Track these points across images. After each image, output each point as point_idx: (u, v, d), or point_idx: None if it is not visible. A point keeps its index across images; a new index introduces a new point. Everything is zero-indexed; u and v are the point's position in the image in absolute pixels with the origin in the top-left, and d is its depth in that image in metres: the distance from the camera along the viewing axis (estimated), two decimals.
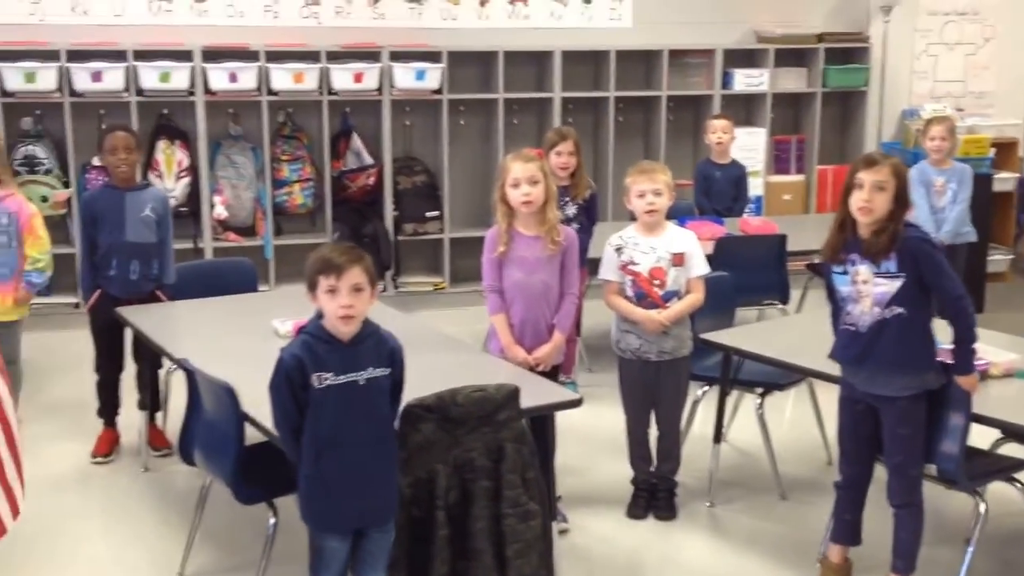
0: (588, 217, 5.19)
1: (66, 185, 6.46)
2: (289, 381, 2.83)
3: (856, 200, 3.22)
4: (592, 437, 4.69)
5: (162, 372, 4.68)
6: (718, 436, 4.26)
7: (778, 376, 4.19)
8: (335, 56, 6.81)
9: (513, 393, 3.15)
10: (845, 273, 3.31)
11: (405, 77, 6.86)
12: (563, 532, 3.82)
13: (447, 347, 4.06)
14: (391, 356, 2.93)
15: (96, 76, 6.30)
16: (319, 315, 2.89)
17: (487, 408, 3.10)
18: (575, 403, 3.46)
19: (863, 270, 3.26)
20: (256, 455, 3.29)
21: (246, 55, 6.64)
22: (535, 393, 3.37)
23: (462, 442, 3.07)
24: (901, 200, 3.22)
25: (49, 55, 6.30)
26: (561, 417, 3.60)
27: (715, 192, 6.39)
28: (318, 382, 2.82)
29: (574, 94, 7.33)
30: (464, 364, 3.84)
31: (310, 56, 6.75)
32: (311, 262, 2.88)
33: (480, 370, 3.67)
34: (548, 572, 3.27)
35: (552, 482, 3.52)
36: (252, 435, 3.26)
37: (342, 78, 6.75)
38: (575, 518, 4.00)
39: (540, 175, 3.80)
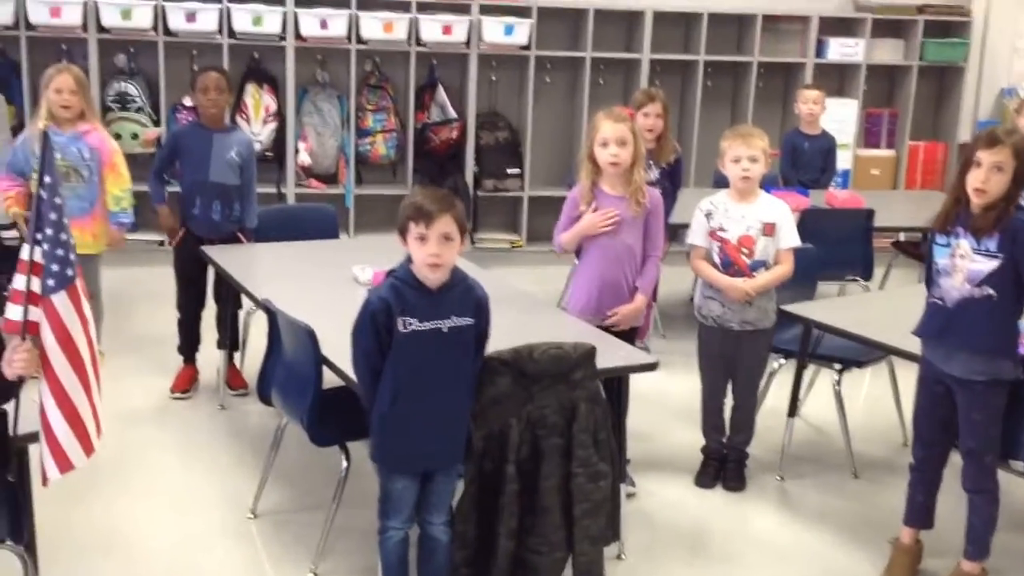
0: (671, 182, 5.13)
1: (156, 123, 6.56)
2: (374, 322, 2.84)
3: (972, 180, 3.13)
4: (663, 403, 4.67)
5: (241, 313, 4.76)
6: (793, 410, 4.21)
7: (858, 352, 4.11)
8: (425, 7, 6.80)
9: (589, 353, 3.14)
10: (947, 245, 3.22)
11: (494, 31, 6.83)
12: (631, 495, 3.82)
13: (524, 304, 4.05)
14: (477, 306, 2.93)
15: (190, 16, 6.37)
16: (409, 259, 2.90)
17: (563, 366, 3.08)
18: (650, 367, 3.44)
19: (964, 244, 3.18)
20: (332, 399, 3.33)
21: (338, 2, 6.65)
22: (611, 354, 3.36)
23: (536, 398, 3.07)
24: (1020, 181, 3.12)
25: None
26: (633, 381, 3.58)
27: (802, 163, 6.27)
28: (403, 326, 2.84)
29: (663, 56, 7.23)
30: (541, 321, 3.84)
31: (401, 6, 6.75)
32: (403, 207, 2.88)
33: (557, 328, 3.66)
34: (614, 533, 3.27)
35: (623, 444, 3.50)
36: (329, 379, 3.30)
37: (431, 29, 6.74)
38: (643, 483, 3.99)
39: (630, 136, 3.76)
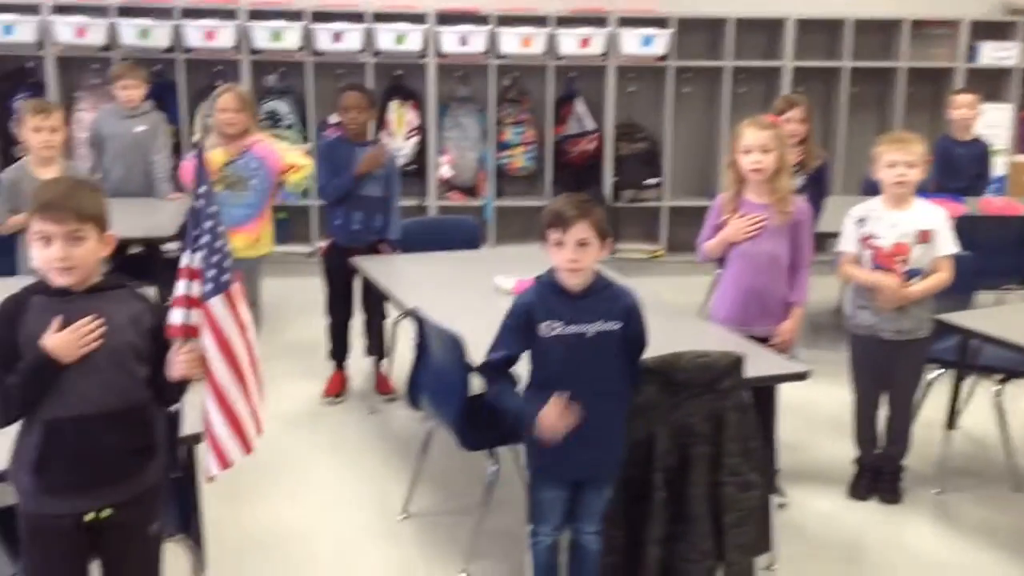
0: (816, 189, 5.02)
1: (305, 140, 6.77)
2: (518, 320, 2.88)
3: None
4: (811, 414, 4.57)
5: (388, 321, 4.87)
6: (951, 422, 4.06)
7: (1019, 363, 3.95)
8: (563, 21, 6.85)
9: (737, 362, 3.10)
10: None
11: (631, 43, 6.83)
12: (781, 506, 3.75)
13: (667, 313, 4.02)
14: (626, 311, 2.92)
15: (337, 37, 6.57)
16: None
17: (710, 375, 3.06)
18: (800, 376, 3.37)
19: None
20: (480, 404, 3.36)
21: (477, 19, 6.76)
22: (759, 363, 3.31)
23: (683, 406, 3.05)
24: None
25: (294, 15, 6.60)
26: (780, 391, 3.52)
27: (954, 170, 6.05)
28: (546, 330, 2.86)
29: (806, 63, 7.11)
30: (685, 330, 3.81)
31: (538, 21, 6.81)
32: (544, 214, 2.91)
33: (702, 337, 3.63)
34: (765, 544, 3.22)
35: (773, 455, 3.45)
36: (478, 385, 3.34)
37: (569, 43, 6.78)
38: (793, 494, 3.92)
39: (773, 143, 3.71)
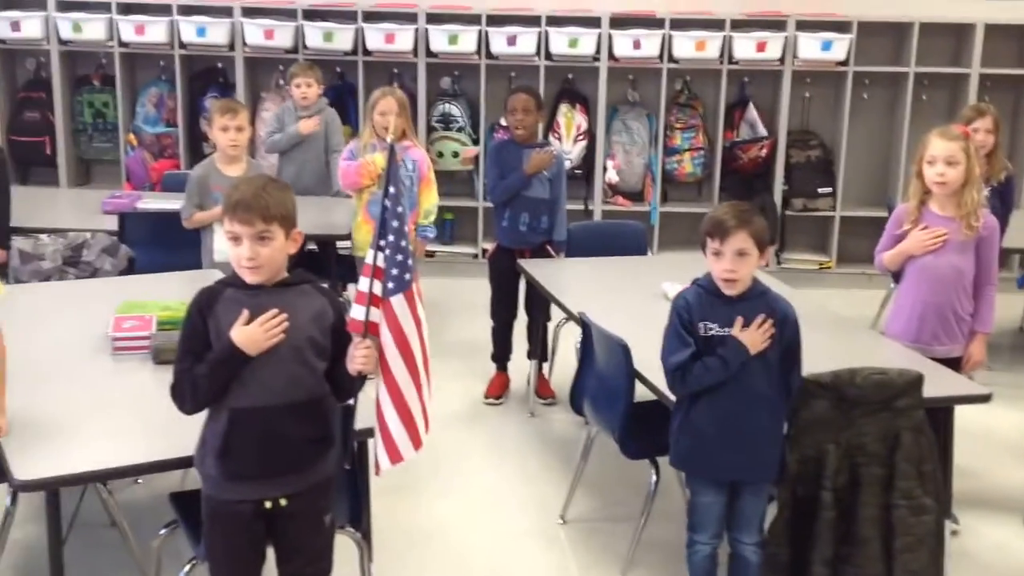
0: (1002, 202, 4.80)
1: (475, 142, 6.88)
2: (680, 320, 2.91)
3: None
4: (989, 437, 4.38)
5: (551, 324, 4.90)
6: None
7: None
8: (739, 24, 6.74)
9: (916, 381, 3.00)
10: None
11: (810, 47, 6.66)
12: (954, 533, 3.61)
13: (838, 326, 3.93)
14: (782, 319, 2.89)
15: (511, 40, 6.64)
16: None
17: (886, 393, 2.97)
18: (983, 398, 3.24)
19: None
20: (644, 413, 3.36)
21: (651, 22, 6.72)
22: (938, 383, 3.19)
23: (855, 424, 2.97)
24: None
25: (471, 19, 6.71)
26: (956, 413, 3.38)
27: None
28: (703, 330, 2.88)
29: (995, 70, 6.78)
30: (858, 345, 3.71)
31: (714, 24, 6.72)
32: (703, 221, 2.91)
33: (876, 353, 3.53)
34: (937, 572, 3.09)
35: (949, 479, 3.31)
36: (641, 393, 3.34)
37: (744, 47, 6.67)
38: (967, 520, 3.76)
39: (960, 155, 3.57)
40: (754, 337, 2.85)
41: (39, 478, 2.56)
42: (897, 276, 3.94)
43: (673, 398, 3.01)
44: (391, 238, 2.51)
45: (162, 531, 2.86)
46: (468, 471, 4.22)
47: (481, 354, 5.08)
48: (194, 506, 2.64)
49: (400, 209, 2.53)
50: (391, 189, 2.52)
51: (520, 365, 4.99)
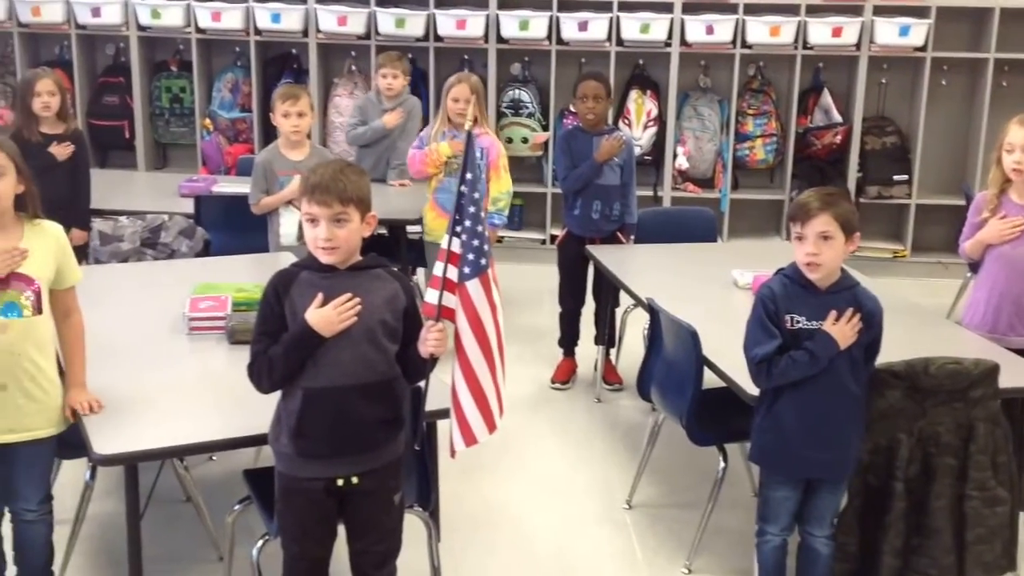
0: None
1: (545, 128, 6.88)
2: (765, 311, 2.85)
3: None
4: None
5: (619, 310, 4.89)
6: None
7: None
8: (815, 9, 6.64)
9: (992, 370, 2.95)
10: None
11: (887, 32, 6.55)
12: None
13: (913, 315, 3.87)
14: (869, 315, 2.84)
15: (582, 26, 6.63)
16: None
17: (961, 382, 2.92)
18: None
19: None
20: (713, 400, 3.35)
21: (725, 8, 6.66)
22: (1014, 373, 3.13)
23: (929, 414, 2.93)
24: None
25: (542, 5, 6.70)
26: None
27: None
28: (790, 322, 2.83)
29: None
30: (933, 335, 3.66)
31: (789, 9, 6.63)
32: (789, 207, 2.87)
33: (951, 342, 3.48)
34: (1010, 563, 3.05)
35: (1022, 470, 3.25)
36: (710, 380, 3.33)
37: (820, 32, 6.57)
38: None
39: None
40: (844, 331, 2.80)
41: (118, 453, 2.64)
42: (975, 266, 3.87)
43: (749, 390, 2.98)
44: (467, 223, 2.53)
45: (236, 507, 2.92)
46: (534, 455, 4.24)
47: (547, 339, 5.09)
48: (267, 483, 2.70)
49: (477, 195, 2.55)
50: (468, 175, 2.54)
51: (587, 351, 4.99)
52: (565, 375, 4.97)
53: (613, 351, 4.98)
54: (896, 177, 6.84)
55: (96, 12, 6.76)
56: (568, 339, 5.02)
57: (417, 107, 5.85)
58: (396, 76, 5.70)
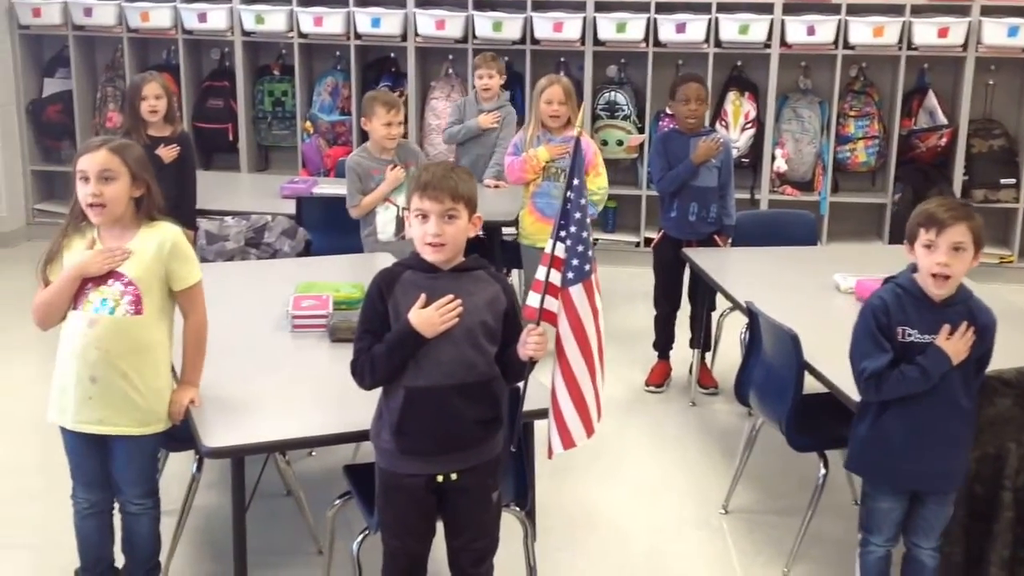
0: None
1: (640, 130, 6.85)
2: (877, 323, 2.78)
3: None
4: None
5: (715, 314, 4.85)
6: None
7: None
8: (920, 10, 6.49)
9: None
10: None
11: (995, 33, 6.37)
12: None
13: (1022, 321, 3.76)
14: (984, 329, 2.77)
15: (680, 27, 6.58)
16: (912, 268, 2.82)
17: None
18: None
19: None
20: (813, 405, 3.31)
21: (827, 8, 6.55)
22: None
23: None
24: None
25: (639, 7, 6.68)
26: None
27: None
28: (902, 335, 2.77)
29: None
30: None
31: (893, 10, 6.49)
32: (915, 214, 2.80)
33: None
34: None
35: None
36: (810, 385, 3.28)
37: (925, 32, 6.42)
38: None
39: None
40: (958, 347, 2.72)
41: (226, 446, 2.71)
42: None
43: (853, 396, 2.92)
44: (573, 229, 2.54)
45: (336, 501, 2.97)
46: (629, 458, 4.23)
47: (641, 342, 5.07)
48: (367, 478, 2.75)
49: (583, 201, 2.55)
50: (575, 180, 2.54)
51: (681, 354, 4.96)
52: (659, 378, 4.94)
53: (708, 355, 4.94)
54: (1003, 181, 6.65)
55: (202, 18, 6.94)
56: (663, 342, 4.99)
57: (513, 116, 5.88)
58: (492, 76, 5.75)
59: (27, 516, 3.65)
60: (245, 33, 6.99)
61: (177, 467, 3.56)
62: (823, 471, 3.32)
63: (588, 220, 2.57)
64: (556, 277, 2.55)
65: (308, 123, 7.07)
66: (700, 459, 4.23)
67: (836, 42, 6.54)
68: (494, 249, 5.23)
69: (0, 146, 6.96)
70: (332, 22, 6.84)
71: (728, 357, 4.83)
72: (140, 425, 2.89)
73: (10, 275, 6.20)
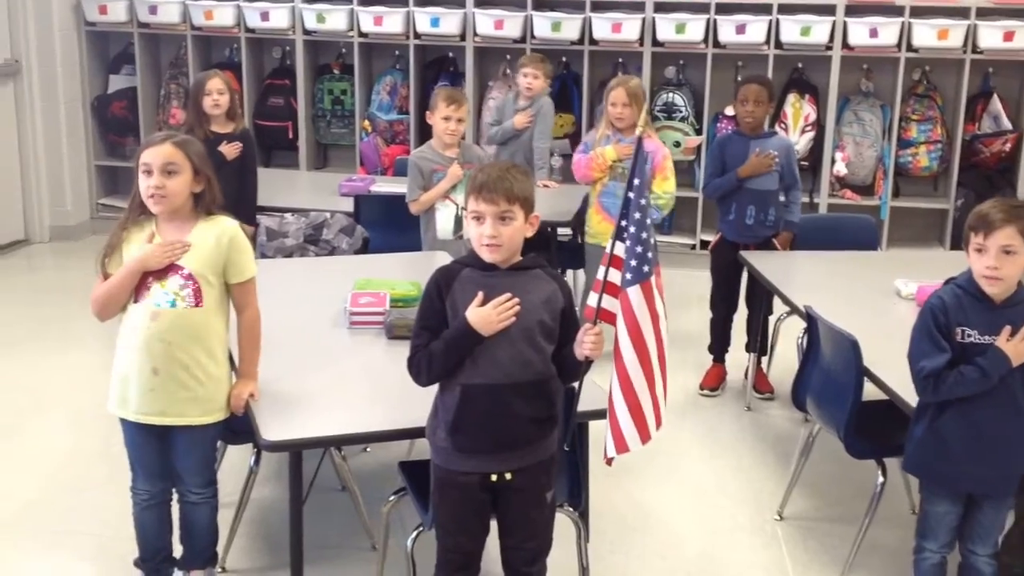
0: None
1: (698, 132, 6.81)
2: (935, 323, 2.75)
3: None
4: None
5: (772, 318, 4.81)
6: None
7: None
8: (985, 13, 6.39)
9: None
10: None
11: None
12: None
13: None
14: None
15: (740, 28, 6.54)
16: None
17: None
18: None
19: None
20: (872, 412, 3.26)
21: (890, 10, 6.46)
22: None
23: None
24: None
25: (698, 8, 6.64)
26: None
27: None
28: (961, 335, 2.73)
29: None
30: None
31: (958, 12, 6.39)
32: (969, 216, 2.76)
33: None
34: None
35: None
36: (869, 391, 3.24)
37: (990, 36, 6.31)
38: None
39: None
40: (1019, 349, 2.67)
41: (284, 440, 2.74)
42: None
43: (914, 404, 2.89)
44: (632, 229, 2.52)
45: (391, 498, 2.99)
46: (683, 461, 4.21)
47: (695, 345, 5.04)
48: (421, 475, 2.76)
49: (644, 201, 2.53)
50: (636, 180, 2.53)
51: (736, 358, 4.92)
52: (714, 382, 4.91)
53: (765, 359, 4.90)
54: None
55: (265, 16, 7.03)
56: (719, 345, 4.96)
57: (548, 107, 5.84)
58: (537, 77, 5.73)
59: (90, 504, 3.72)
60: (306, 32, 7.06)
61: (234, 460, 3.61)
62: (881, 479, 3.27)
63: (649, 221, 2.55)
64: (615, 276, 2.54)
65: (366, 122, 7.13)
66: (754, 464, 4.19)
67: (899, 44, 6.45)
68: (551, 248, 5.24)
69: (66, 142, 7.11)
70: (392, 21, 6.89)
71: (784, 362, 4.78)
72: (201, 415, 2.93)
73: (75, 267, 6.34)
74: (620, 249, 2.54)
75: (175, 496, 3.10)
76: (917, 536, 2.95)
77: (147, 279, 2.85)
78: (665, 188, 4.94)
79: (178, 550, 3.18)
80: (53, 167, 7.08)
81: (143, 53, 7.29)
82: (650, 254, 2.52)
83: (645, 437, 2.60)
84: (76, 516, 3.67)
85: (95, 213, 7.36)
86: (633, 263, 2.51)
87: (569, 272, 5.54)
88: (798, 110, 6.77)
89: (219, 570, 3.29)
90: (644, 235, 2.51)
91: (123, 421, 2.97)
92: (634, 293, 2.51)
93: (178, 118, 7.15)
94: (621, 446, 2.60)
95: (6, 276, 6.46)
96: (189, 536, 3.14)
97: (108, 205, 7.33)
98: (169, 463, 3.02)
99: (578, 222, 5.28)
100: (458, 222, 4.57)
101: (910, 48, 6.46)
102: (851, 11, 6.49)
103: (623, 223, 2.53)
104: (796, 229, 4.76)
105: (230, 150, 4.90)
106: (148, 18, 7.14)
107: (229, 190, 4.70)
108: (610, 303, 2.56)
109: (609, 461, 2.60)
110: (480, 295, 2.50)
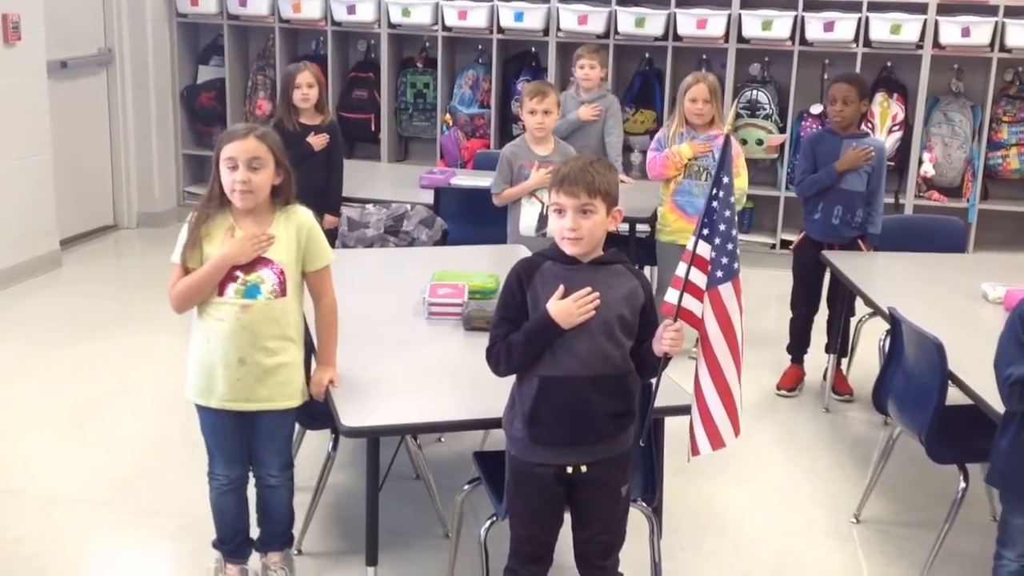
0: None
1: (782, 131, 6.73)
2: (1023, 328, 2.68)
3: None
4: None
5: (853, 319, 4.73)
6: None
7: None
8: None
9: None
10: None
11: None
12: None
13: None
14: None
15: (828, 26, 6.45)
16: None
17: None
18: None
19: None
20: (956, 417, 3.20)
21: (983, 9, 6.32)
22: None
23: None
24: None
25: (786, 4, 6.55)
26: None
27: None
28: None
29: None
30: None
31: None
32: None
33: None
34: None
35: None
36: (953, 396, 3.18)
37: None
38: None
39: None
40: None
41: (363, 426, 2.78)
42: None
43: (1000, 410, 2.83)
44: (722, 227, 2.50)
45: (465, 487, 3.01)
46: (758, 461, 4.17)
47: (773, 345, 4.99)
48: (496, 465, 2.78)
49: (732, 199, 2.52)
50: (724, 179, 2.51)
51: (815, 359, 4.85)
52: (792, 382, 4.85)
53: (844, 361, 4.83)
54: None
55: (351, 10, 7.12)
56: (798, 345, 4.89)
57: (615, 105, 5.81)
58: (593, 67, 5.71)
59: (171, 485, 3.81)
60: (391, 25, 7.13)
61: (312, 447, 3.67)
62: (963, 484, 3.21)
63: (735, 219, 2.53)
64: (696, 276, 2.52)
65: (448, 115, 7.18)
66: (831, 466, 4.14)
67: (992, 44, 6.31)
68: (631, 245, 5.22)
69: (155, 131, 7.29)
70: (476, 16, 6.92)
71: (864, 364, 4.71)
72: (284, 399, 2.99)
73: (161, 253, 6.40)
74: (703, 248, 2.52)
75: (251, 480, 3.16)
76: (998, 543, 2.89)
77: (233, 272, 2.90)
78: (737, 185, 4.88)
79: (255, 532, 3.24)
80: (142, 155, 7.26)
81: (232, 45, 7.43)
82: (737, 251, 2.51)
83: (737, 431, 2.60)
84: (159, 496, 3.77)
85: (182, 201, 7.53)
86: (724, 261, 2.50)
87: (645, 269, 5.52)
88: (886, 109, 6.65)
89: (295, 552, 3.35)
90: (733, 232, 2.50)
91: (203, 409, 3.01)
92: (726, 290, 2.51)
93: (264, 109, 7.28)
94: (717, 442, 2.58)
95: (94, 260, 6.64)
96: (267, 519, 3.19)
97: (194, 193, 7.49)
98: (249, 448, 3.08)
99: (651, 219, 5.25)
100: (542, 220, 4.58)
101: (1003, 48, 6.31)
102: (943, 10, 6.36)
103: (707, 220, 2.51)
104: (876, 241, 4.67)
105: (318, 141, 4.98)
106: (238, 10, 7.28)
107: (316, 181, 4.84)
108: (689, 302, 2.54)
109: (696, 453, 2.59)
110: (561, 288, 2.50)
